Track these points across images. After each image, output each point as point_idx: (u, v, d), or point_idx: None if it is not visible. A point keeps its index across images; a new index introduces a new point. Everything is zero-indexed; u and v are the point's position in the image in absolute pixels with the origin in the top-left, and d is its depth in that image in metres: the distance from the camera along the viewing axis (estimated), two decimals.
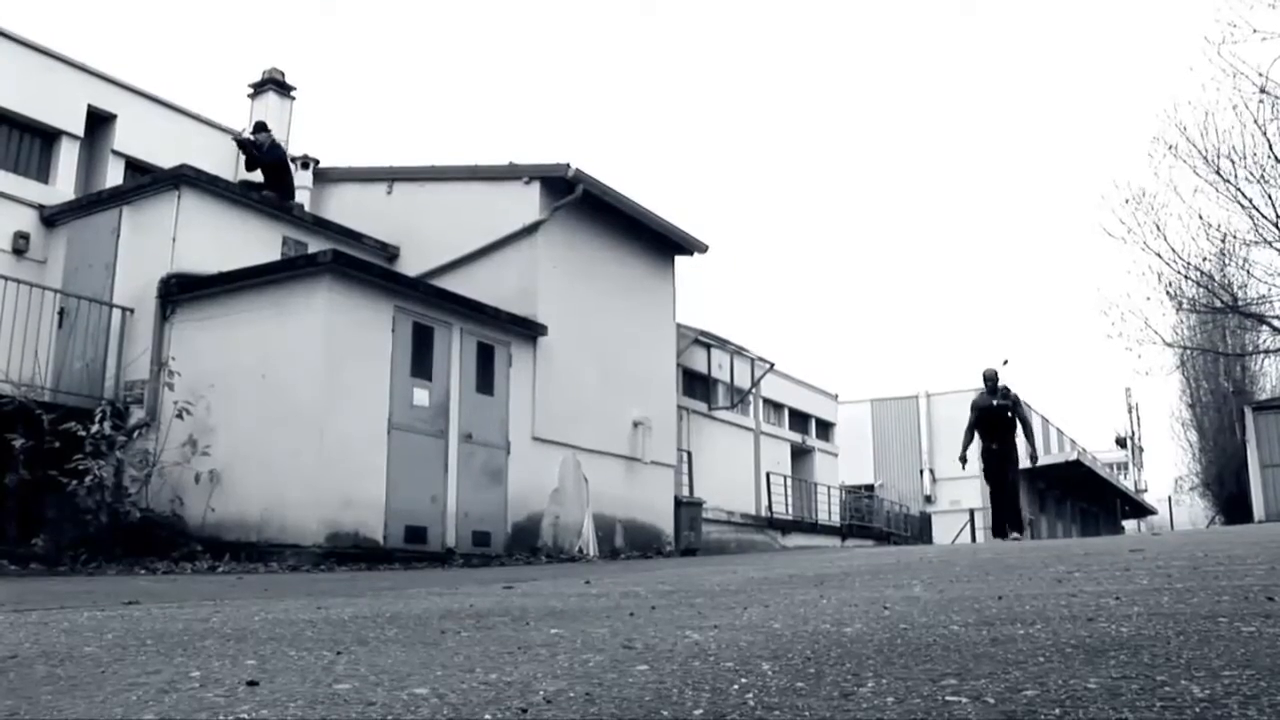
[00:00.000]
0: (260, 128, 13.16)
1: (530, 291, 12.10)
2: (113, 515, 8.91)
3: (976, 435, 12.54)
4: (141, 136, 13.26)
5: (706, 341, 18.79)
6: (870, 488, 34.11)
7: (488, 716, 1.31)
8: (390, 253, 13.25)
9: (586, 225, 13.13)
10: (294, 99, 15.48)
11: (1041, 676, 1.39)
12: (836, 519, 24.92)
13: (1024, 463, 13.22)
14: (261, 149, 12.76)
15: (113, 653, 1.93)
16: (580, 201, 12.60)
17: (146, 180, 11.40)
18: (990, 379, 12.47)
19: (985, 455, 12.51)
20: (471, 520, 10.60)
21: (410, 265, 12.79)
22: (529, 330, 11.77)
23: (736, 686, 1.41)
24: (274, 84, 15.17)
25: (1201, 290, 19.32)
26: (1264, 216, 16.52)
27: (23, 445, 8.55)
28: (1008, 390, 12.46)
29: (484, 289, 11.76)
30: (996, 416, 12.33)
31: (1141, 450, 54.60)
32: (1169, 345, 21.74)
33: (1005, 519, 12.39)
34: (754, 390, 20.86)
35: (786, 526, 21.37)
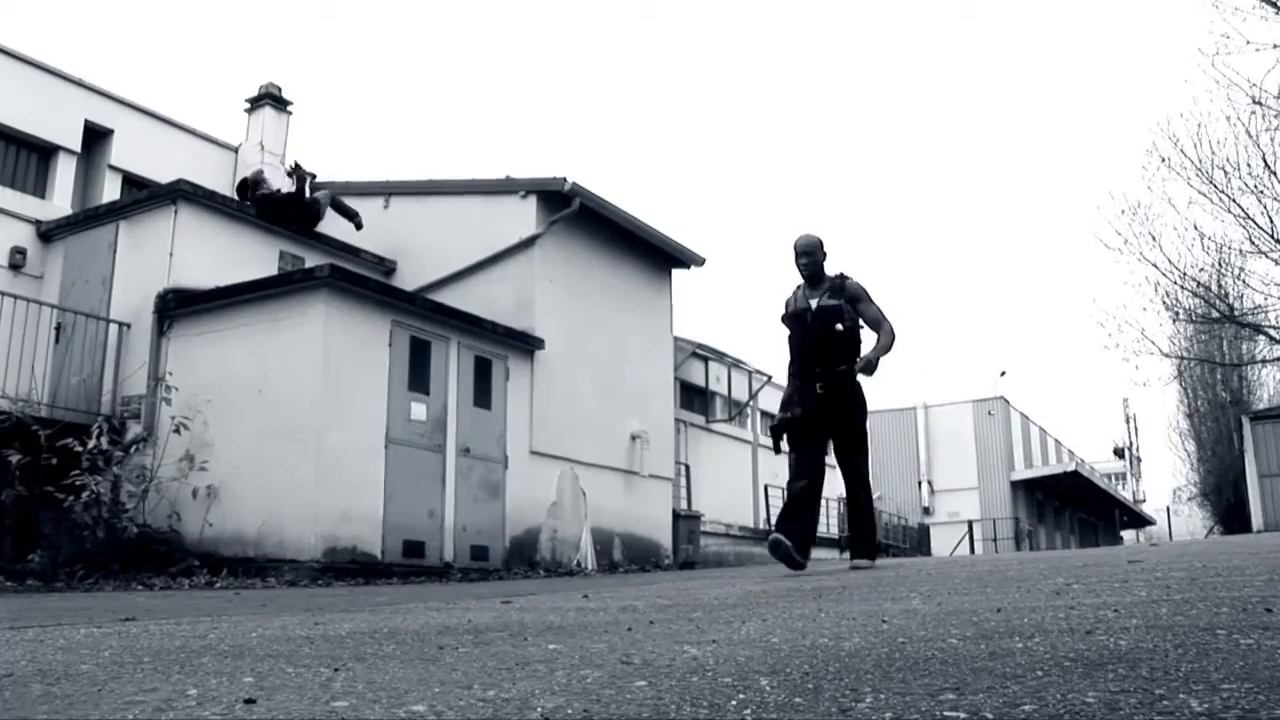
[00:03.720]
0: (261, 175, 12.37)
1: (527, 305, 12.11)
2: (110, 531, 8.89)
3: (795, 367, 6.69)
4: (139, 152, 13.29)
5: (704, 354, 18.81)
6: None
7: None
8: (387, 267, 13.26)
9: (583, 239, 13.15)
10: (291, 114, 15.52)
11: (1040, 690, 1.39)
12: (834, 531, 24.87)
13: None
14: (275, 192, 11.91)
15: (109, 670, 1.93)
16: (577, 215, 12.62)
17: (143, 195, 11.42)
18: (805, 252, 6.52)
19: (803, 401, 6.50)
20: (469, 534, 10.58)
21: (407, 279, 12.80)
22: (526, 344, 11.77)
23: (735, 702, 1.41)
24: (271, 99, 15.21)
25: (1198, 300, 19.34)
26: (1259, 227, 16.57)
27: (19, 461, 8.53)
28: (843, 282, 6.51)
29: (481, 303, 11.77)
30: (820, 329, 6.43)
31: (1139, 460, 54.68)
32: (1166, 356, 21.79)
33: (799, 532, 6.23)
34: (752, 402, 20.86)
35: None
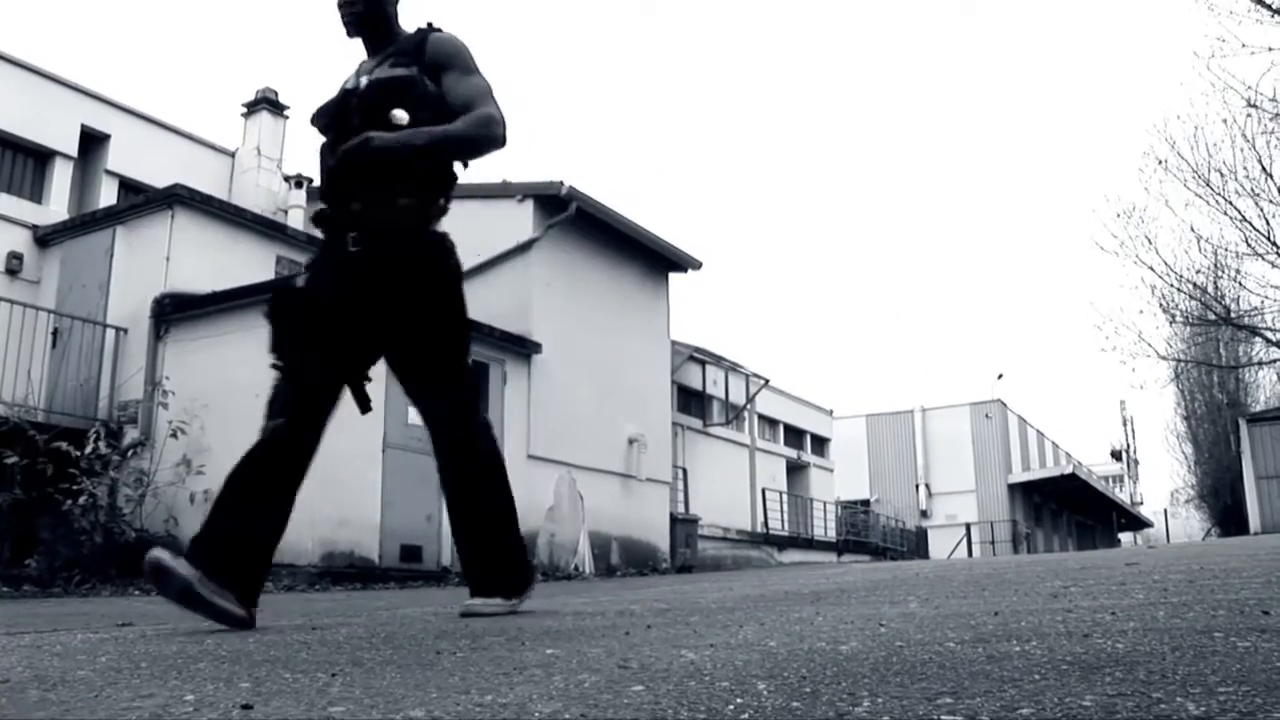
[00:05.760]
0: None
1: (524, 309, 12.12)
2: (107, 535, 8.88)
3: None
4: (135, 156, 13.29)
5: (701, 358, 18.82)
6: (866, 503, 34.11)
7: None
8: None
9: (580, 243, 13.16)
10: (288, 118, 15.53)
11: (1037, 694, 1.39)
12: (832, 534, 24.88)
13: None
14: None
15: (106, 676, 1.93)
16: (574, 219, 12.63)
17: (140, 200, 11.42)
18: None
19: (319, 268, 3.23)
20: None
21: None
22: (523, 348, 11.77)
23: (732, 707, 1.41)
24: (267, 103, 15.22)
25: (1195, 303, 19.40)
26: (1255, 229, 16.62)
27: (16, 465, 8.53)
28: (424, 38, 3.23)
29: (478, 307, 11.66)
30: (367, 121, 3.03)
31: (1137, 463, 54.76)
32: (1163, 358, 21.84)
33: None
34: (749, 406, 20.87)
35: (782, 542, 21.35)
